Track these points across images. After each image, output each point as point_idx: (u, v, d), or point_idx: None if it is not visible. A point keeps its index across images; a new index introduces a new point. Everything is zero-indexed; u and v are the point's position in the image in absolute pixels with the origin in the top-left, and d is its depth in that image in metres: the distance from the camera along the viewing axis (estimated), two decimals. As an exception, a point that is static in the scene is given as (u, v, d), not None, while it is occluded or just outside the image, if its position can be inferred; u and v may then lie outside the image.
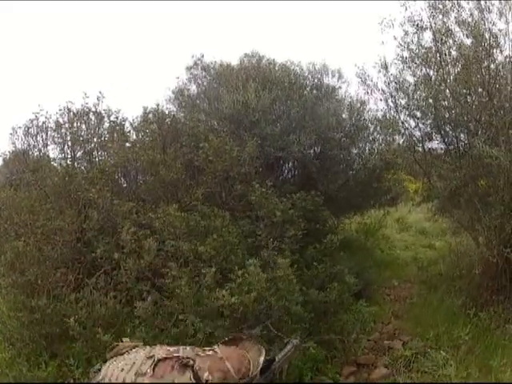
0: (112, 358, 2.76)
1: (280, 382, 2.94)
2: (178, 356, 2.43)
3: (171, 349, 2.57)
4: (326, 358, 5.98)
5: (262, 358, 2.47)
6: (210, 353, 2.48)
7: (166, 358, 2.49)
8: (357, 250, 10.16)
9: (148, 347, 2.73)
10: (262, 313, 5.05)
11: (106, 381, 2.51)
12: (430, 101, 7.00)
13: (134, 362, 2.54)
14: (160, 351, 2.57)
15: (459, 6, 6.60)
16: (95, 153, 7.57)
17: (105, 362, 2.82)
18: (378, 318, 7.48)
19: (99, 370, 2.76)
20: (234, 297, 4.79)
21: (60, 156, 7.62)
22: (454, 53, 6.74)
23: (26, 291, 5.85)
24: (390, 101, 7.73)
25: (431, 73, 7.00)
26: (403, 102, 7.58)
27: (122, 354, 2.73)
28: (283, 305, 5.22)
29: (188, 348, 2.59)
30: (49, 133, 7.64)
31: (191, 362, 2.36)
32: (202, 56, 10.09)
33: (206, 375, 2.26)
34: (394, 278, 9.63)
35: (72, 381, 5.02)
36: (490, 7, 6.39)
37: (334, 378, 5.77)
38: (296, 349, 3.21)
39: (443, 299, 7.33)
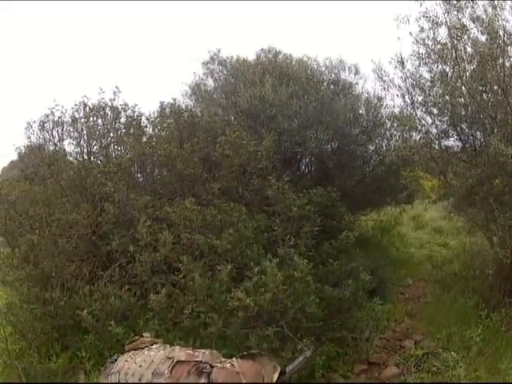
0: (130, 351, 2.79)
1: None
2: (197, 361, 2.46)
3: (191, 352, 2.60)
4: (337, 355, 5.99)
5: (276, 375, 2.48)
6: (228, 365, 2.49)
7: (184, 361, 2.52)
8: (372, 247, 10.14)
9: (168, 347, 2.76)
10: (276, 311, 5.05)
11: (122, 374, 2.56)
12: (447, 97, 6.96)
13: (153, 360, 2.58)
14: (180, 353, 2.61)
15: (473, 2, 6.56)
16: (111, 147, 7.62)
17: (122, 353, 2.85)
18: (391, 317, 7.45)
19: (116, 360, 2.79)
20: (250, 298, 4.77)
21: (76, 150, 7.68)
22: (469, 49, 6.71)
23: (39, 283, 5.91)
24: (406, 97, 7.70)
25: (447, 69, 6.96)
26: (420, 98, 7.55)
27: (142, 349, 2.76)
28: (299, 307, 5.21)
29: (207, 352, 2.62)
30: (65, 127, 7.68)
31: (208, 369, 2.37)
32: (219, 51, 10.10)
33: None
34: (409, 277, 9.60)
35: (83, 373, 5.06)
36: (503, 4, 6.35)
37: (345, 376, 5.77)
38: (308, 360, 3.21)
39: (456, 299, 7.29)
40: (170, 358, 2.56)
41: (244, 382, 2.32)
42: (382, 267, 8.66)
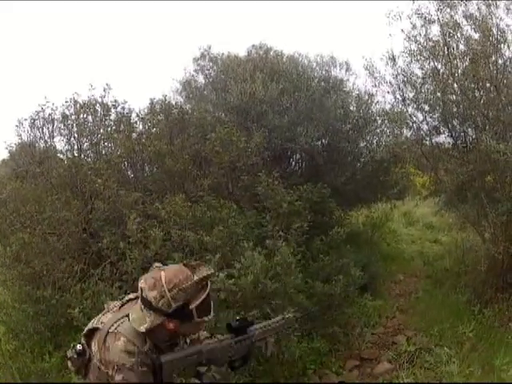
0: None
1: (263, 355, 2.96)
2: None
3: None
4: (329, 352, 6.00)
5: (203, 274, 2.42)
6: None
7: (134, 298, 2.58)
8: (363, 243, 10.14)
9: None
10: (260, 297, 5.04)
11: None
12: (438, 94, 6.97)
13: (110, 308, 2.64)
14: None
15: (466, 0, 6.57)
16: (102, 144, 7.57)
17: None
18: (382, 312, 7.48)
19: None
20: (231, 280, 4.83)
21: (66, 147, 7.62)
22: (461, 47, 6.73)
23: (31, 282, 5.87)
24: (397, 94, 7.72)
25: (439, 66, 6.97)
26: (411, 95, 7.57)
27: None
28: (284, 290, 5.19)
29: None
30: (55, 124, 7.62)
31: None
32: (210, 47, 10.07)
33: (141, 282, 2.36)
34: (400, 273, 9.63)
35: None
36: (498, 2, 6.36)
37: (337, 372, 5.79)
38: (286, 322, 3.14)
39: (448, 295, 7.32)
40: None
41: (162, 275, 2.34)
42: (373, 263, 8.68)
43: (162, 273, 2.35)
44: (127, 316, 2.42)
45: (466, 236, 8.60)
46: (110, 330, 2.38)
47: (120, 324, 2.40)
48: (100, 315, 2.58)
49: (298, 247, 5.92)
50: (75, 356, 2.53)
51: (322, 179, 8.06)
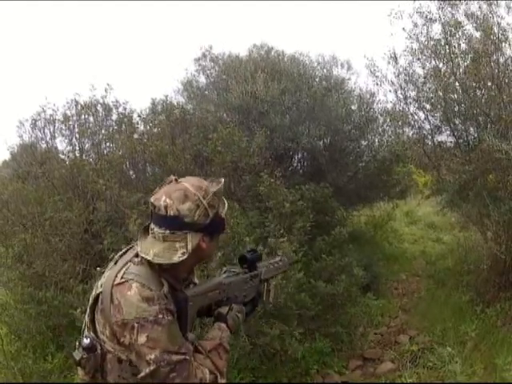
0: None
1: (267, 300, 2.71)
2: None
3: None
4: (332, 351, 5.99)
5: (219, 181, 2.14)
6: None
7: None
8: (365, 242, 10.15)
9: None
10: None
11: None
12: (440, 93, 6.95)
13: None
14: None
15: (468, -1, 6.57)
16: (103, 144, 7.58)
17: None
18: (385, 312, 7.47)
19: None
20: None
21: (68, 148, 7.64)
22: (463, 45, 6.71)
23: (33, 283, 5.88)
24: (399, 93, 7.69)
25: (441, 65, 6.95)
26: (413, 94, 7.55)
27: None
28: (285, 285, 5.18)
29: None
30: (56, 125, 7.64)
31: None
32: (211, 47, 10.06)
33: (157, 199, 1.96)
34: (402, 272, 9.61)
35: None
36: (499, 1, 6.35)
37: (340, 372, 5.79)
38: (288, 261, 2.93)
39: (451, 294, 7.31)
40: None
41: (187, 185, 1.99)
42: (375, 263, 8.69)
43: (186, 183, 2.03)
44: (130, 261, 2.04)
45: (469, 235, 8.57)
46: (115, 283, 1.94)
47: (125, 271, 1.97)
48: (97, 283, 2.13)
49: (300, 247, 5.91)
50: (84, 355, 2.00)
51: (324, 179, 8.08)
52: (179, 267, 2.03)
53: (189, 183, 2.03)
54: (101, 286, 2.02)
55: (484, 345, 5.73)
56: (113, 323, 1.90)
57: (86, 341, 2.01)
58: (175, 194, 1.97)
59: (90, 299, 2.08)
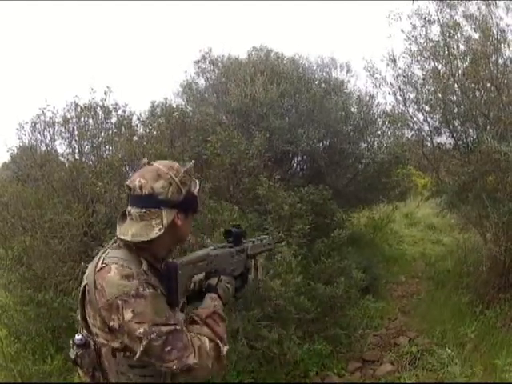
0: None
1: (256, 278, 2.76)
2: None
3: None
4: (331, 354, 5.99)
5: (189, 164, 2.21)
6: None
7: None
8: (365, 244, 10.15)
9: None
10: (262, 298, 5.04)
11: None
12: (439, 95, 6.98)
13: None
14: None
15: (466, 0, 6.58)
16: (102, 147, 7.57)
17: None
18: (384, 314, 7.47)
19: None
20: None
21: (67, 151, 7.63)
22: (462, 47, 6.74)
23: (33, 285, 5.88)
24: (398, 94, 7.72)
25: (440, 67, 6.98)
26: (412, 95, 7.58)
27: None
28: (284, 289, 5.19)
29: None
30: (56, 128, 7.63)
31: None
32: (210, 50, 10.09)
33: (132, 181, 2.06)
34: (402, 274, 9.61)
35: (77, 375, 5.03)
36: (497, 2, 6.36)
37: (339, 374, 5.79)
38: (274, 239, 3.06)
39: (450, 296, 7.31)
40: None
41: (159, 166, 2.09)
42: (374, 265, 8.69)
43: (158, 165, 2.12)
44: (109, 247, 2.09)
45: (468, 237, 8.59)
46: (96, 270, 1.97)
47: (104, 257, 2.02)
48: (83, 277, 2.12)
49: (299, 249, 5.92)
50: (79, 352, 2.06)
51: (324, 181, 8.09)
52: (157, 245, 2.10)
53: (161, 164, 2.12)
54: (86, 278, 2.05)
55: (483, 346, 5.73)
56: (100, 309, 1.94)
57: (78, 337, 2.07)
58: (148, 175, 2.06)
59: (79, 295, 2.10)
